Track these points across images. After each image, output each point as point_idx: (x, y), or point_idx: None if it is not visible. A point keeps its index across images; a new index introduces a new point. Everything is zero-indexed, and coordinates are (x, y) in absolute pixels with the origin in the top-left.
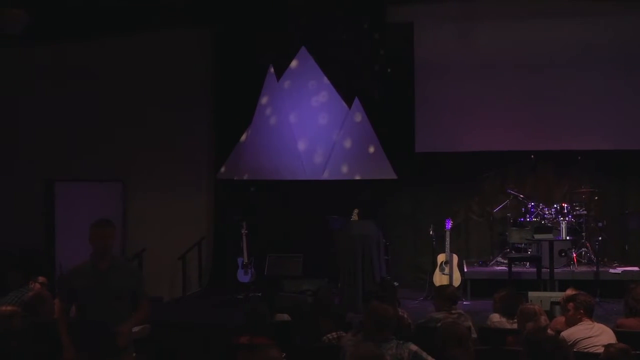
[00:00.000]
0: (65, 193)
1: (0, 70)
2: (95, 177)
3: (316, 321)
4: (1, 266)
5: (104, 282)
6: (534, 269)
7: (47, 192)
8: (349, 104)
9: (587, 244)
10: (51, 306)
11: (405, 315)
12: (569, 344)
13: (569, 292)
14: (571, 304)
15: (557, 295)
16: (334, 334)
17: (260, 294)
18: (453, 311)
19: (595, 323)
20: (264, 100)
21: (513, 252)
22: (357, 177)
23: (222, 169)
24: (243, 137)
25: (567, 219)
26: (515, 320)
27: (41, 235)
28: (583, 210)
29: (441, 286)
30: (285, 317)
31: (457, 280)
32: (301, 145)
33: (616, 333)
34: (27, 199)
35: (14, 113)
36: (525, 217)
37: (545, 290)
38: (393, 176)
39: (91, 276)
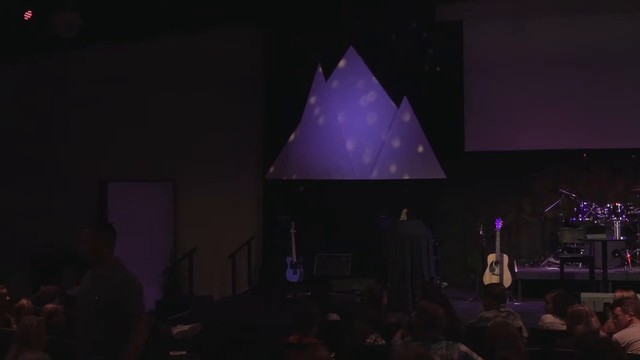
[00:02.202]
0: (118, 193)
1: (54, 72)
2: (146, 177)
3: (363, 319)
4: (57, 265)
5: (86, 293)
6: (587, 270)
7: (101, 193)
8: (398, 103)
9: None
10: None
11: None
12: (622, 346)
13: (618, 293)
14: (618, 309)
15: (610, 297)
16: (373, 336)
17: (309, 294)
18: (502, 309)
19: None
20: (312, 100)
21: (565, 252)
22: (406, 177)
23: (271, 169)
24: (292, 137)
25: (620, 218)
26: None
27: None
28: (637, 210)
29: (490, 284)
30: (335, 316)
31: (507, 280)
32: (349, 145)
33: None
34: (82, 199)
35: (67, 114)
36: (577, 217)
37: (598, 291)
38: (442, 175)
39: (85, 284)
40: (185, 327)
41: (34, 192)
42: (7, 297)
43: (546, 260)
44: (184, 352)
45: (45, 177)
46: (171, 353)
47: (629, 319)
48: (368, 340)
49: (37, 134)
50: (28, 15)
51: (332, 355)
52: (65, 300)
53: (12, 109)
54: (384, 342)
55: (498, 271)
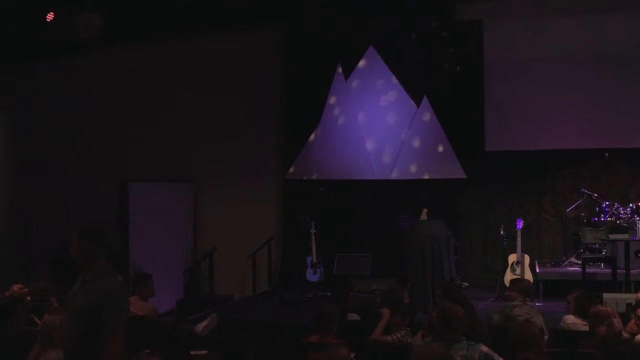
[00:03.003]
0: (138, 194)
1: (76, 72)
2: (167, 178)
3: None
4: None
5: (73, 296)
6: (609, 270)
7: (121, 193)
8: (418, 103)
9: None
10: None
11: None
12: None
13: None
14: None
15: (633, 297)
16: (398, 334)
17: (329, 294)
18: (528, 302)
19: None
20: (332, 100)
21: (587, 252)
22: (426, 177)
23: (291, 169)
24: (312, 137)
25: None
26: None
27: (116, 235)
28: None
29: (516, 279)
30: (355, 316)
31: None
32: (369, 145)
33: None
34: (103, 200)
35: (89, 115)
36: (599, 217)
37: (620, 291)
38: (462, 175)
39: (75, 287)
40: (205, 322)
41: (55, 192)
42: (28, 298)
43: (568, 261)
44: (204, 352)
45: (66, 177)
46: (192, 352)
47: None
48: (397, 335)
49: (58, 134)
50: (50, 17)
51: (352, 355)
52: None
53: (34, 109)
54: (409, 339)
55: (519, 271)
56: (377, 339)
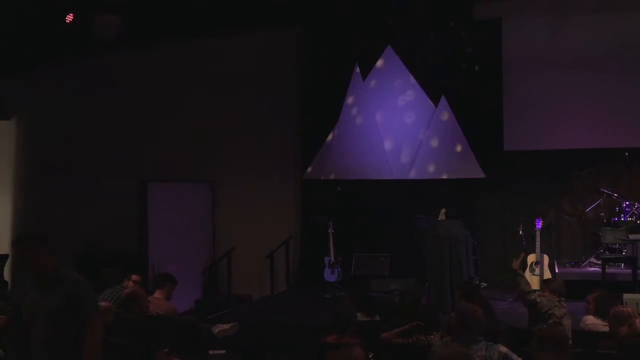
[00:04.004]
0: (157, 194)
1: (95, 73)
2: (185, 178)
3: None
4: (98, 264)
5: (30, 303)
6: (629, 271)
7: (141, 193)
8: (436, 102)
9: None
10: (145, 303)
11: None
12: None
13: None
14: None
15: None
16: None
17: (347, 294)
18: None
19: None
20: (350, 100)
21: (607, 252)
22: (444, 176)
23: (309, 169)
24: (329, 137)
25: None
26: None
27: (135, 235)
28: None
29: (548, 279)
30: (375, 317)
31: None
32: (387, 145)
33: None
34: (123, 200)
35: (108, 116)
36: (619, 217)
37: None
38: (481, 175)
39: None
40: (226, 326)
41: (76, 192)
42: None
43: (587, 261)
44: (223, 351)
45: (86, 177)
46: (211, 352)
47: None
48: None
49: (77, 135)
50: (69, 18)
51: (370, 355)
52: (119, 300)
53: (55, 110)
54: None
55: (538, 272)
56: (388, 338)
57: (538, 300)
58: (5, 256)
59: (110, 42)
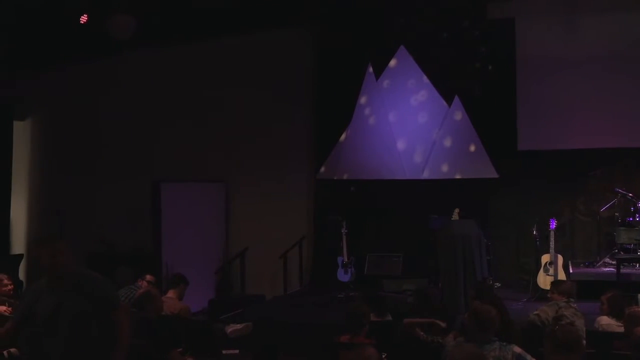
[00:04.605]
0: (170, 194)
1: (109, 73)
2: (198, 178)
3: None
4: (112, 264)
5: (50, 306)
6: None
7: (154, 193)
8: (449, 102)
9: None
10: (159, 304)
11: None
12: None
13: None
14: None
15: None
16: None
17: (360, 294)
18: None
19: None
20: (362, 99)
21: (621, 252)
22: (458, 176)
23: (322, 169)
24: (342, 137)
25: None
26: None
27: (149, 235)
28: None
29: (558, 281)
30: (387, 316)
31: None
32: (400, 145)
33: None
34: (136, 200)
35: (121, 116)
36: (634, 217)
37: None
38: (494, 175)
39: None
40: (239, 326)
41: (89, 192)
42: None
43: (602, 261)
44: (236, 351)
45: (100, 177)
46: (224, 352)
47: None
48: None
49: (91, 134)
50: (84, 19)
51: (383, 356)
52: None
53: (69, 111)
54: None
55: (552, 272)
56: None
57: (538, 320)
58: (21, 256)
59: (125, 42)
